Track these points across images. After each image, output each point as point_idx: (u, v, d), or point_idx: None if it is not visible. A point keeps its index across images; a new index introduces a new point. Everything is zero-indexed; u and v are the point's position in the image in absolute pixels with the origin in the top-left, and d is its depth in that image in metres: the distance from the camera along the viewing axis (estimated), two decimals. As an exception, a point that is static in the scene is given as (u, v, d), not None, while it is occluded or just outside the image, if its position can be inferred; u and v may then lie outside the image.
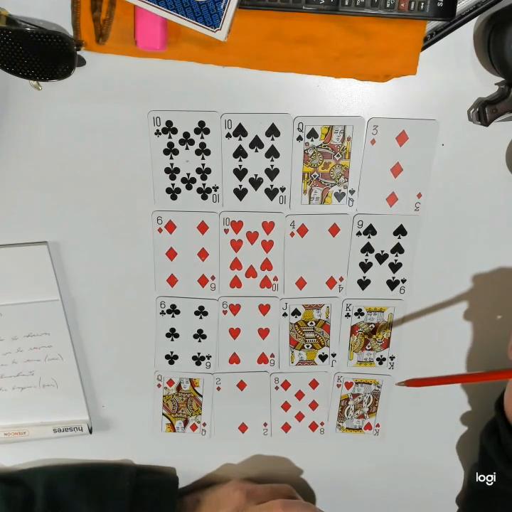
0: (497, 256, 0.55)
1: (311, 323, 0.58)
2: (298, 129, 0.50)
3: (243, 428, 0.62)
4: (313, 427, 0.62)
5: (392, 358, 0.59)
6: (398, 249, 0.55)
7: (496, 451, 0.55)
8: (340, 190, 0.52)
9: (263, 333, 0.58)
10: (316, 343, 0.59)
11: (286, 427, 0.62)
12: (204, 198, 0.52)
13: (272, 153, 0.51)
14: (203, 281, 0.55)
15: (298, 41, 0.45)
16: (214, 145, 0.50)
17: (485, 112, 0.47)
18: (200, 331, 0.57)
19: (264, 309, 0.57)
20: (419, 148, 0.51)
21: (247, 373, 0.59)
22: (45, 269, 0.53)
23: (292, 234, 0.54)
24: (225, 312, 0.57)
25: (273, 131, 0.50)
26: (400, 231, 0.54)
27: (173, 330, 0.57)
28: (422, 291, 0.57)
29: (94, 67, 0.46)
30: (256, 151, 0.50)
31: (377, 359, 0.59)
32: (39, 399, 0.58)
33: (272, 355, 0.59)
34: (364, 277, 0.56)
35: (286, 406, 0.61)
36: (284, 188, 0.52)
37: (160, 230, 0.53)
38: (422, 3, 0.42)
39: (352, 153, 0.51)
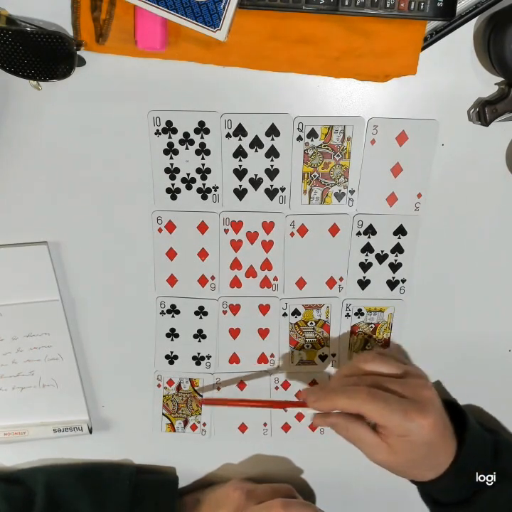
0: (497, 256, 0.55)
1: (311, 323, 0.58)
2: (298, 129, 0.50)
3: (243, 428, 0.62)
4: (313, 427, 0.62)
5: (392, 358, 0.59)
6: (398, 249, 0.55)
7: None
8: (340, 190, 0.52)
9: (263, 333, 0.58)
10: (316, 343, 0.59)
11: (286, 427, 0.62)
12: (204, 198, 0.52)
13: (272, 153, 0.51)
14: (202, 281, 0.55)
15: (298, 41, 0.45)
16: (214, 145, 0.50)
17: (485, 112, 0.47)
18: (200, 331, 0.57)
19: (264, 309, 0.57)
20: (419, 148, 0.51)
21: (247, 373, 0.59)
22: (45, 269, 0.53)
23: (292, 234, 0.54)
24: (225, 312, 0.57)
25: (273, 131, 0.50)
26: (400, 231, 0.54)
27: (173, 330, 0.57)
28: (422, 291, 0.56)
29: (94, 67, 0.46)
30: (256, 151, 0.50)
31: (377, 359, 0.59)
32: (39, 399, 0.58)
33: (272, 355, 0.59)
34: (364, 277, 0.56)
35: (286, 406, 0.61)
36: (284, 188, 0.52)
37: (160, 230, 0.53)
38: (422, 3, 0.42)
39: (352, 153, 0.51)
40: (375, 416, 0.46)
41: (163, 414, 0.61)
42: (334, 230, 0.54)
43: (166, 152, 0.50)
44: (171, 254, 0.54)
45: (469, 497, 0.51)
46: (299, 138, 0.50)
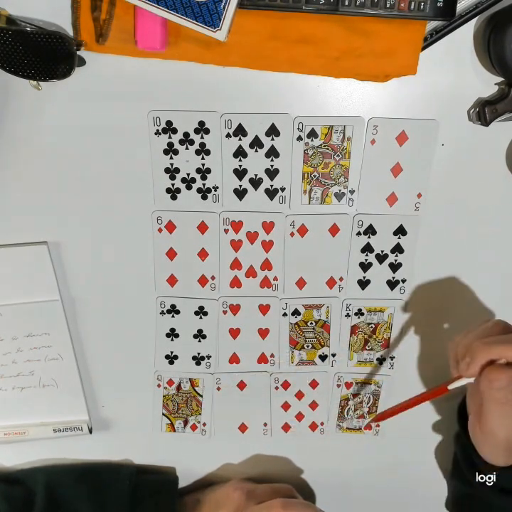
0: (497, 256, 0.55)
1: (311, 323, 0.58)
2: (298, 129, 0.50)
3: (243, 428, 0.62)
4: (313, 427, 0.62)
5: (392, 358, 0.59)
6: (398, 249, 0.55)
7: (462, 454, 0.54)
8: (340, 190, 0.52)
9: (263, 333, 0.58)
10: (316, 343, 0.59)
11: (286, 427, 0.62)
12: (204, 198, 0.52)
13: (272, 153, 0.51)
14: (203, 281, 0.55)
15: (298, 41, 0.45)
16: (214, 145, 0.50)
17: (485, 112, 0.47)
18: (200, 331, 0.57)
19: (264, 309, 0.57)
20: (419, 148, 0.51)
21: (247, 373, 0.59)
22: (45, 269, 0.53)
23: (292, 234, 0.54)
24: (225, 312, 0.57)
25: (273, 131, 0.50)
26: (400, 231, 0.54)
27: (173, 330, 0.57)
28: (422, 291, 0.57)
29: (94, 67, 0.46)
30: (256, 151, 0.50)
31: (377, 359, 0.59)
32: (39, 399, 0.58)
33: (272, 355, 0.59)
34: (364, 277, 0.56)
35: (286, 406, 0.61)
36: (284, 188, 0.52)
37: (160, 230, 0.53)
38: (422, 3, 0.42)
39: (352, 153, 0.51)
40: None
41: (163, 414, 0.61)
42: (334, 230, 0.54)
43: (166, 152, 0.50)
44: (171, 254, 0.54)
45: None
46: (299, 138, 0.50)
